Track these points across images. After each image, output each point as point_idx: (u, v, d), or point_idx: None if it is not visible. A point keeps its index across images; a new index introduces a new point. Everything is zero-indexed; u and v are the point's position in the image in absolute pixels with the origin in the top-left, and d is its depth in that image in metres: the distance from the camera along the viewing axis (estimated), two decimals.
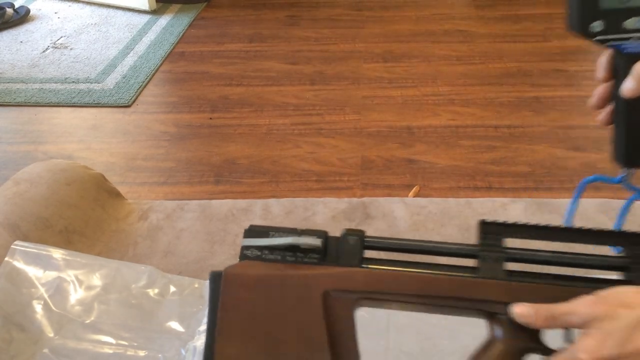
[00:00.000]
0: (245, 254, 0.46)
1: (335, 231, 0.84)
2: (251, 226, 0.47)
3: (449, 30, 2.39)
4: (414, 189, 1.48)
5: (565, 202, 0.85)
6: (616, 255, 0.45)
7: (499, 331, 0.42)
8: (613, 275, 0.44)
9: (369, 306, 0.45)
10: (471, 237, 0.82)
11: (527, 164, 1.56)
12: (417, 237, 0.79)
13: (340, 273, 0.44)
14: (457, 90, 1.93)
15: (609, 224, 0.80)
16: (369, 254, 0.46)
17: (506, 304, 0.42)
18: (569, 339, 0.42)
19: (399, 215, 0.83)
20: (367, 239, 0.46)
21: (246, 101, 1.93)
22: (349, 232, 0.46)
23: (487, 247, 0.44)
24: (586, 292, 0.41)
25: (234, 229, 0.82)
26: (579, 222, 0.80)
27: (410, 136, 1.70)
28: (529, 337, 0.42)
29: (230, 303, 0.44)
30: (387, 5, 2.67)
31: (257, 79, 2.06)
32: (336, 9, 2.66)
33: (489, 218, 0.45)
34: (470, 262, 0.45)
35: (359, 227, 0.81)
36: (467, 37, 2.32)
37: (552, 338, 0.43)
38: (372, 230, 0.81)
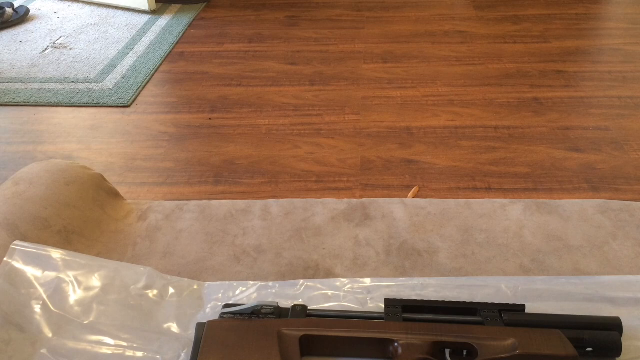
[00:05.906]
0: (222, 315, 0.63)
1: (336, 232, 0.84)
2: (225, 304, 0.65)
3: (448, 31, 2.39)
4: (414, 189, 1.48)
5: (564, 202, 0.85)
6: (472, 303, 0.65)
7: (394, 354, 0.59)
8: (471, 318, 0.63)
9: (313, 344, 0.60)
10: (470, 238, 0.82)
11: (527, 164, 1.56)
12: (416, 239, 0.79)
13: (290, 320, 0.62)
14: (456, 91, 1.94)
15: (607, 225, 0.80)
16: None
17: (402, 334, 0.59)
18: None
19: (398, 216, 0.83)
20: (309, 310, 0.64)
21: (246, 102, 1.93)
22: (296, 305, 0.65)
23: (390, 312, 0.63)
24: (453, 327, 0.59)
25: (233, 229, 0.82)
26: (578, 223, 0.80)
27: (410, 137, 1.70)
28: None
29: (211, 341, 0.59)
30: (387, 6, 2.67)
31: (256, 80, 2.07)
32: (336, 9, 2.66)
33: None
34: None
35: (358, 228, 0.82)
36: (467, 38, 2.32)
37: None
38: (372, 231, 0.81)
